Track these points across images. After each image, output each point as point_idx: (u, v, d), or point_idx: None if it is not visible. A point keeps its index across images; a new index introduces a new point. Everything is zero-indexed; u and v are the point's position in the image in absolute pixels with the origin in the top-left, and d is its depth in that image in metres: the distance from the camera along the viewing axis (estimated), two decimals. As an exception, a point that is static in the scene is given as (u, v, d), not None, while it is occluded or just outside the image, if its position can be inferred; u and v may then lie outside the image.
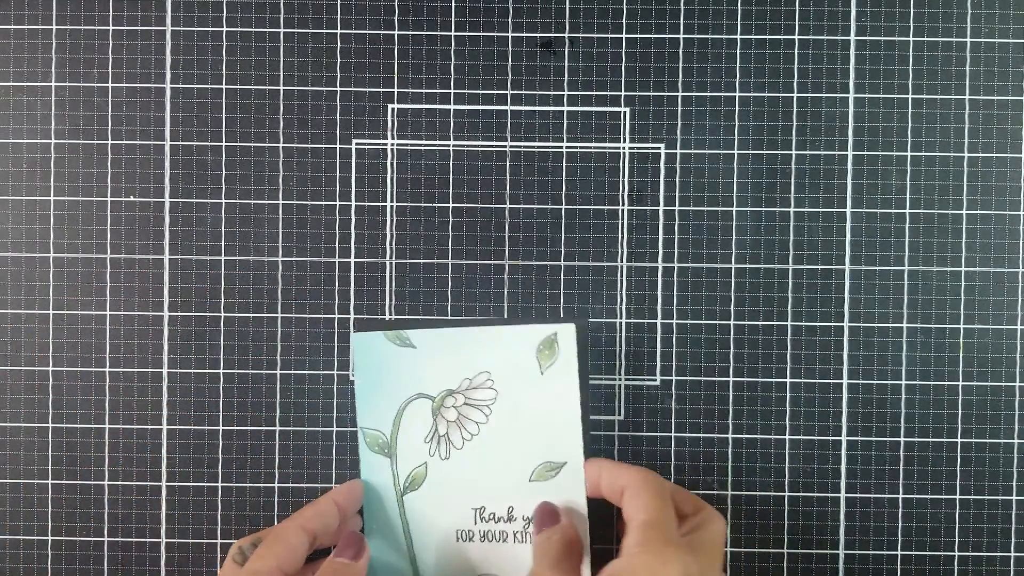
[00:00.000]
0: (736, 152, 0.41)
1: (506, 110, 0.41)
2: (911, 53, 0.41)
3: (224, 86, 0.41)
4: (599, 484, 0.37)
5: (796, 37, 0.41)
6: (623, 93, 0.41)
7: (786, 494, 0.41)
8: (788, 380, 0.41)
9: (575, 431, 0.38)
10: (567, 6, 0.41)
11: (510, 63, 0.41)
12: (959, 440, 0.41)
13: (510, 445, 0.38)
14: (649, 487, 0.34)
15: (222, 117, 0.41)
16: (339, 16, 0.41)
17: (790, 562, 0.41)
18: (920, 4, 0.41)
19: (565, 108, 0.41)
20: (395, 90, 0.41)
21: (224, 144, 0.41)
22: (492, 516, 0.38)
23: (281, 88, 0.41)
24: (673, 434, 0.41)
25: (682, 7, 0.41)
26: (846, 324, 0.41)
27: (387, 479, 0.39)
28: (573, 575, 0.34)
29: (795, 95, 0.41)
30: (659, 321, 0.41)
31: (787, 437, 0.41)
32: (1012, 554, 0.41)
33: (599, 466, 0.37)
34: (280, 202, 0.41)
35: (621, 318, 0.41)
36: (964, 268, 0.41)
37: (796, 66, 0.41)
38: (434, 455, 0.39)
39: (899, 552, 0.41)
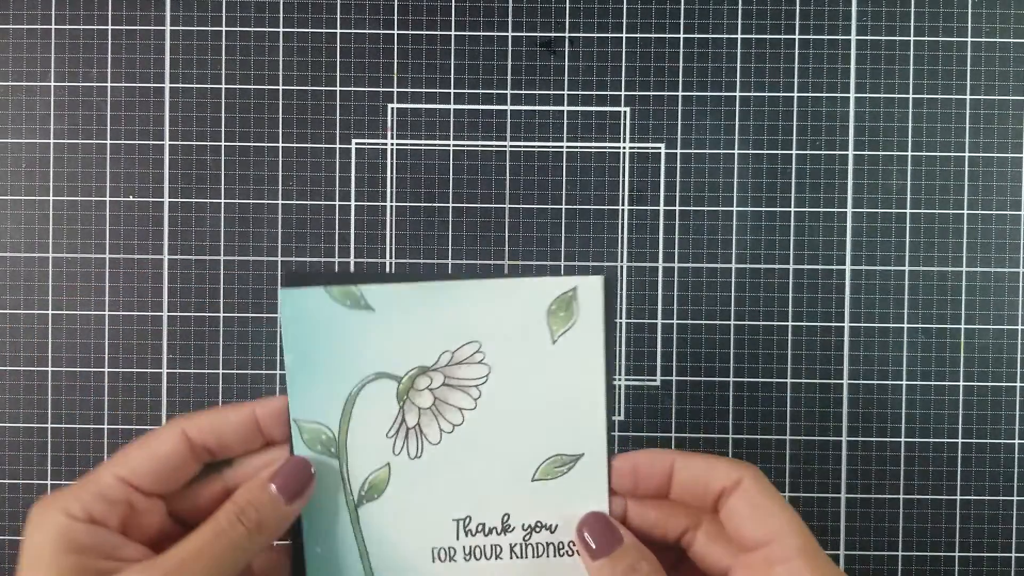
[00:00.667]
0: (736, 152, 0.41)
1: (506, 110, 0.41)
2: (912, 53, 0.41)
3: (223, 86, 0.41)
4: (644, 481, 0.29)
5: (797, 37, 0.41)
6: (623, 93, 0.41)
7: (787, 494, 0.41)
8: (788, 380, 0.41)
9: (597, 414, 0.30)
10: (567, 6, 0.41)
11: (510, 63, 0.41)
12: (960, 440, 0.41)
13: (506, 436, 0.30)
14: (775, 494, 0.27)
15: (221, 117, 0.41)
16: (339, 16, 0.41)
17: (790, 563, 0.41)
18: (921, 4, 0.41)
19: (565, 108, 0.41)
20: (395, 90, 0.41)
21: (223, 144, 0.41)
22: (481, 528, 0.30)
23: (280, 88, 0.41)
24: (673, 434, 0.41)
25: (682, 7, 0.41)
26: (847, 324, 0.41)
27: (334, 487, 0.30)
28: None
29: (796, 95, 0.41)
30: (659, 321, 0.41)
31: (787, 437, 0.41)
32: (1013, 555, 0.41)
33: (653, 458, 0.29)
34: (280, 202, 0.41)
35: (621, 318, 0.41)
36: (965, 268, 0.41)
37: (796, 66, 0.41)
38: (400, 453, 0.30)
39: (900, 552, 0.41)
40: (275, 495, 0.27)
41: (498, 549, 0.30)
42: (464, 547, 0.30)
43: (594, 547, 0.28)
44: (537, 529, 0.30)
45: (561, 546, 0.30)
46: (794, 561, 0.25)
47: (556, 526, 0.30)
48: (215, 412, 0.28)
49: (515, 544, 0.30)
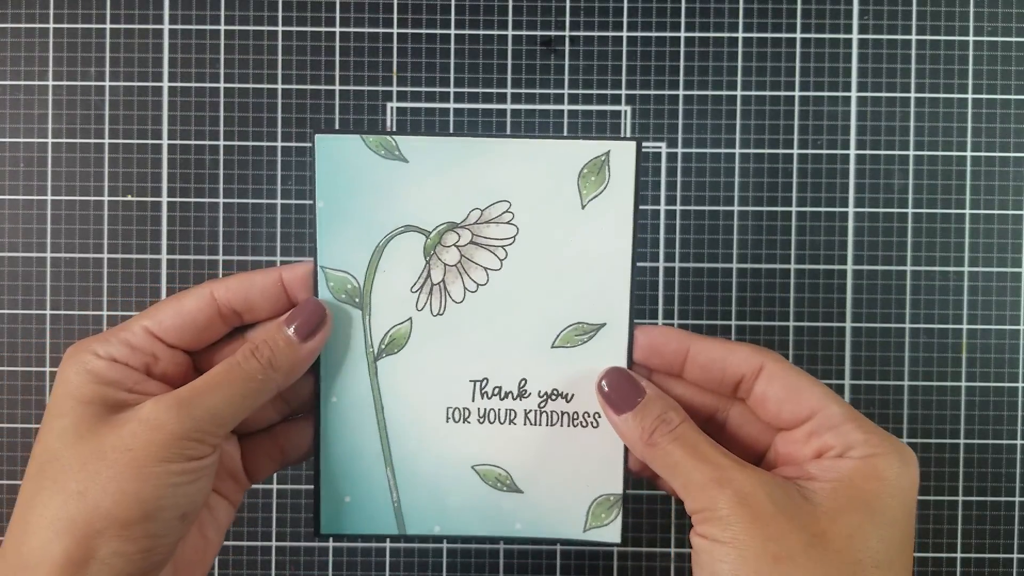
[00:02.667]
0: (737, 151, 0.41)
1: (506, 109, 0.41)
2: (913, 52, 0.41)
3: (222, 85, 0.41)
4: (659, 357, 0.29)
5: (798, 35, 0.41)
6: (624, 92, 0.41)
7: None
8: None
9: (622, 283, 0.30)
10: (567, 5, 0.41)
11: (510, 62, 0.41)
12: (962, 441, 0.41)
13: (529, 300, 0.30)
14: (802, 372, 0.27)
15: (220, 116, 0.41)
16: (338, 15, 0.41)
17: (791, 563, 0.41)
18: (923, 2, 0.41)
19: (565, 107, 0.41)
20: (394, 89, 0.41)
21: (222, 143, 0.41)
22: (497, 391, 0.30)
23: (280, 87, 0.41)
24: (674, 435, 0.41)
25: (683, 6, 0.41)
26: (848, 324, 0.41)
27: (355, 337, 0.30)
28: (711, 458, 0.26)
29: (797, 94, 0.41)
30: (659, 321, 0.41)
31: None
32: (1015, 555, 0.41)
33: (669, 336, 0.29)
34: (279, 201, 0.41)
35: (622, 318, 0.41)
36: (967, 268, 0.41)
37: (798, 64, 0.41)
38: (424, 309, 0.30)
39: (901, 553, 0.41)
40: (289, 334, 0.28)
41: (512, 414, 0.30)
42: (479, 409, 0.30)
43: (617, 400, 0.28)
44: (553, 397, 0.30)
45: (576, 416, 0.30)
46: (842, 426, 0.26)
47: (572, 395, 0.30)
48: (244, 275, 0.29)
49: (530, 411, 0.30)
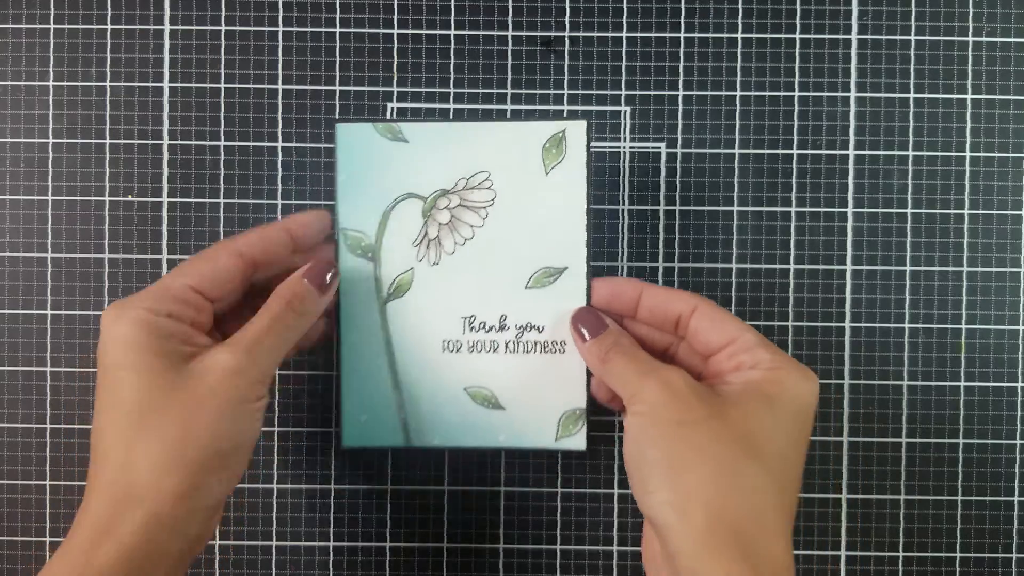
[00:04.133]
0: (737, 151, 0.41)
1: (506, 109, 0.41)
2: (912, 52, 0.41)
3: (223, 85, 0.41)
4: (617, 300, 0.35)
5: (797, 36, 0.41)
6: (623, 92, 0.41)
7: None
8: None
9: (579, 234, 0.36)
10: (567, 5, 0.41)
11: (510, 62, 0.41)
12: (960, 441, 0.41)
13: (506, 250, 0.37)
14: (726, 311, 0.33)
15: (220, 116, 0.41)
16: (338, 15, 0.41)
17: (791, 563, 0.41)
18: (921, 3, 0.41)
19: (565, 107, 0.41)
20: (394, 89, 0.41)
21: (223, 143, 0.41)
22: (483, 325, 0.37)
23: (280, 87, 0.41)
24: (673, 435, 0.41)
25: (683, 6, 0.41)
26: (847, 324, 0.41)
27: (369, 285, 0.37)
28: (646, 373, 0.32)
29: (796, 94, 0.41)
30: (659, 321, 0.41)
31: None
32: (1014, 555, 0.41)
33: (626, 285, 0.35)
34: (279, 202, 0.41)
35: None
36: (966, 268, 0.41)
37: (797, 65, 0.41)
38: (422, 260, 0.37)
39: (900, 553, 0.41)
40: (308, 286, 0.34)
41: (495, 344, 0.37)
42: (468, 341, 0.37)
43: (584, 331, 0.35)
44: (528, 329, 0.37)
45: (547, 344, 0.37)
46: (755, 349, 0.32)
47: (543, 327, 0.37)
48: (259, 229, 0.35)
49: (509, 341, 0.37)
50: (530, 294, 0.37)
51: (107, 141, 0.41)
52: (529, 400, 0.37)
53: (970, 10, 0.41)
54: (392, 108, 0.41)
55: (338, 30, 0.41)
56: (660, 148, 0.41)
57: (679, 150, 0.41)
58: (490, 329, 0.37)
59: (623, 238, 0.41)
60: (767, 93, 0.41)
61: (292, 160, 0.41)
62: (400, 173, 0.37)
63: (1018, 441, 0.41)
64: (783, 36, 0.41)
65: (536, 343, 0.37)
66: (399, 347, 0.37)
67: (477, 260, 0.37)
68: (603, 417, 0.41)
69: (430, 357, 0.37)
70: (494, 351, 0.37)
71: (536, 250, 0.37)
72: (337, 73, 0.41)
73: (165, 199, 0.41)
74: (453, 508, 0.41)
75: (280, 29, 0.41)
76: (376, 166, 0.37)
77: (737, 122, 0.41)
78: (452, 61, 0.41)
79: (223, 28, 0.41)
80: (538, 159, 0.37)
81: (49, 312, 0.41)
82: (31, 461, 0.41)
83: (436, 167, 0.37)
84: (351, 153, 0.37)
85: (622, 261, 0.41)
